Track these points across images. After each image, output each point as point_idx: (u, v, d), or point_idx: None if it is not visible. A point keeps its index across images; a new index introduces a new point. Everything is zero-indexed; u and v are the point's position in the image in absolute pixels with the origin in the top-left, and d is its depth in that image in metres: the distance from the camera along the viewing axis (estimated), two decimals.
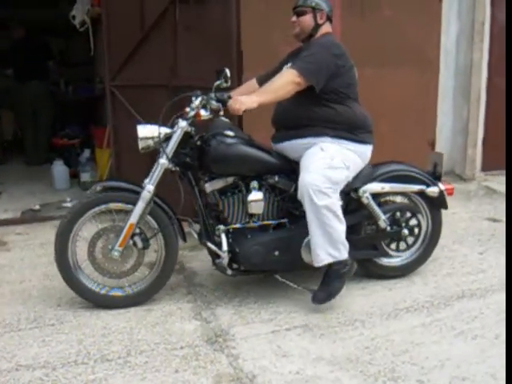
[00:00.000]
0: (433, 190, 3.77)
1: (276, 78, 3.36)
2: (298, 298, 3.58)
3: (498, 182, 6.13)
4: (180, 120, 3.39)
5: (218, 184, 3.47)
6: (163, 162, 3.37)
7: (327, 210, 3.31)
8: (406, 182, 3.76)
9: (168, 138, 3.39)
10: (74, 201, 5.71)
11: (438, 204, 3.86)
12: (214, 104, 3.31)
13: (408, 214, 3.83)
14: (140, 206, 3.36)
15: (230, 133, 3.42)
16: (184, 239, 3.59)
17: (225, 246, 3.42)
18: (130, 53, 5.10)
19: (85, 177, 6.45)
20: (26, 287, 3.86)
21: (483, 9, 5.99)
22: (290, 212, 3.60)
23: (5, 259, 4.38)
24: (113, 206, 3.44)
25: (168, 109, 3.40)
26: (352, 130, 3.50)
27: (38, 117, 7.69)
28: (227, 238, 3.47)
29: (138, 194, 3.36)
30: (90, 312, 3.46)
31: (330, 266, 3.43)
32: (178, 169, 3.45)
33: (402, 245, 3.87)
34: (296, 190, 3.42)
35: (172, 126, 3.43)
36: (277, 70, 3.63)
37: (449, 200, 3.87)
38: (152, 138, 3.38)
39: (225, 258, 3.43)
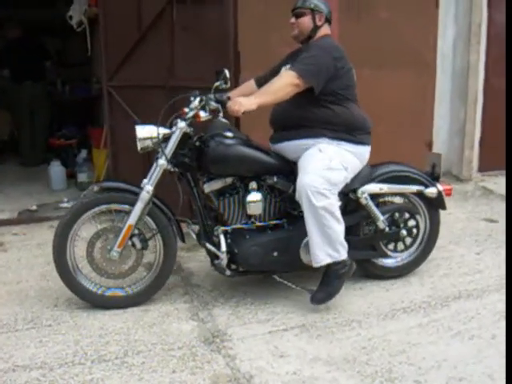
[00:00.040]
0: (431, 191, 3.77)
1: (275, 80, 3.36)
2: (295, 299, 3.59)
3: (495, 183, 6.15)
4: (179, 121, 3.39)
5: (217, 185, 3.47)
6: (162, 162, 3.37)
7: (325, 211, 3.31)
8: (404, 182, 3.77)
9: (167, 138, 3.39)
10: (70, 201, 5.71)
11: (436, 205, 3.86)
12: (213, 105, 3.31)
13: (406, 215, 3.83)
14: (139, 206, 3.35)
15: (229, 134, 3.42)
16: (183, 240, 3.59)
17: (223, 247, 3.42)
18: (127, 53, 5.09)
19: (82, 177, 6.44)
20: (22, 288, 3.85)
21: (480, 11, 6.00)
22: (288, 212, 3.60)
23: (1, 260, 4.37)
24: (112, 206, 3.44)
25: (166, 109, 3.40)
26: (350, 132, 3.50)
27: (34, 117, 7.67)
28: (226, 238, 3.47)
29: (137, 194, 3.36)
30: (87, 312, 3.46)
31: (328, 266, 3.43)
32: (176, 169, 3.45)
33: (400, 245, 3.88)
34: (294, 190, 3.42)
35: (170, 127, 3.43)
36: (275, 72, 3.64)
37: (446, 200, 3.88)
38: (151, 138, 3.38)
39: (223, 258, 3.43)
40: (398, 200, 3.87)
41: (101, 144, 6.21)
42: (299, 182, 3.36)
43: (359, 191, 3.61)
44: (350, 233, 3.55)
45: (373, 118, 3.66)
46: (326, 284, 3.47)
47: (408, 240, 3.88)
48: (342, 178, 3.45)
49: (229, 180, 3.47)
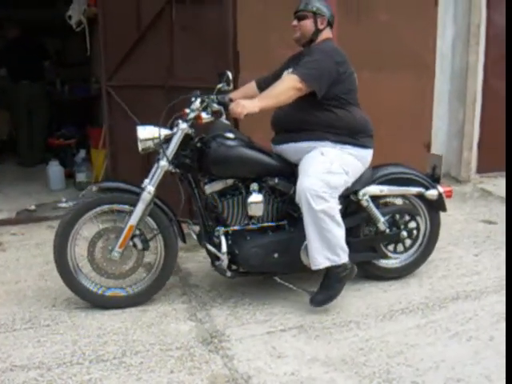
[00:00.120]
0: (432, 193, 3.77)
1: (277, 84, 3.35)
2: (293, 300, 3.59)
3: (494, 184, 6.15)
4: (180, 121, 3.38)
5: (218, 186, 3.46)
6: (163, 164, 3.36)
7: (324, 215, 3.31)
8: (405, 184, 3.77)
9: (168, 139, 3.38)
10: (69, 201, 5.72)
11: (436, 206, 3.87)
12: (216, 107, 3.30)
13: (407, 217, 3.84)
14: (140, 207, 3.35)
15: (230, 135, 3.41)
16: (184, 240, 3.59)
17: (224, 248, 3.42)
18: (126, 53, 5.10)
19: (80, 177, 6.44)
20: (21, 287, 3.85)
21: (479, 11, 6.00)
22: (289, 214, 3.60)
23: (0, 259, 4.37)
24: (114, 206, 3.44)
25: (165, 107, 3.39)
26: (353, 135, 3.50)
27: (33, 117, 7.66)
28: (226, 239, 3.47)
29: (138, 195, 3.35)
30: (85, 312, 3.46)
31: (329, 269, 3.43)
32: (177, 170, 3.44)
33: (400, 247, 3.88)
34: (295, 192, 3.42)
35: (171, 127, 3.42)
36: (277, 75, 3.63)
37: (445, 202, 3.88)
38: (152, 139, 3.37)
39: (224, 259, 3.43)
40: (398, 201, 3.87)
41: (99, 144, 6.22)
42: (299, 184, 3.35)
43: (360, 193, 3.60)
44: (350, 234, 3.55)
45: (373, 121, 3.66)
46: (326, 286, 3.47)
47: (408, 241, 3.88)
48: (343, 181, 3.45)
49: (230, 181, 3.47)
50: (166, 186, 3.43)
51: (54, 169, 6.53)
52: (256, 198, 3.46)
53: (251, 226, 3.54)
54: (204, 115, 3.32)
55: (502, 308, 3.44)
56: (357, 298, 3.63)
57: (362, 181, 3.61)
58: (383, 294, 3.70)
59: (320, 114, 3.45)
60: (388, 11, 5.20)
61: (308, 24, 3.51)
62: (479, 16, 6.02)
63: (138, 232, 3.45)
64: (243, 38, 4.42)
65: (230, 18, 4.37)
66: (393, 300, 3.61)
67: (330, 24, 3.57)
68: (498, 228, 4.91)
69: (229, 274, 3.53)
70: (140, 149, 3.41)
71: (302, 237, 3.45)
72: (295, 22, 3.55)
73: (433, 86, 5.71)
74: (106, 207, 3.42)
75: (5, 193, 6.29)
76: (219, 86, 3.55)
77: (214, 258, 3.52)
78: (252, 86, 3.86)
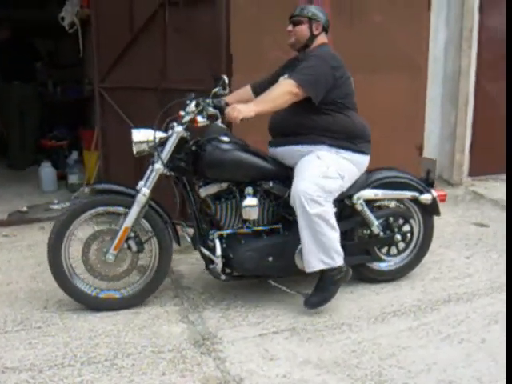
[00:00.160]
0: (426, 197, 3.78)
1: (274, 88, 3.35)
2: (285, 302, 3.59)
3: (486, 187, 6.17)
4: (175, 125, 3.37)
5: (213, 189, 3.46)
6: (158, 167, 3.35)
7: (319, 218, 3.31)
8: (399, 188, 3.78)
9: (163, 142, 3.37)
10: (61, 203, 5.71)
11: (430, 210, 3.87)
12: (211, 110, 3.29)
13: (401, 220, 3.85)
14: (135, 209, 3.34)
15: (226, 138, 3.41)
16: (178, 243, 3.59)
17: (218, 252, 3.42)
18: (119, 55, 5.09)
19: (72, 179, 6.42)
20: (12, 289, 3.84)
21: (471, 16, 6.02)
22: (283, 218, 3.59)
23: None
24: (110, 208, 3.43)
25: (158, 110, 3.39)
26: (350, 140, 3.51)
27: (24, 118, 7.63)
28: (221, 243, 3.46)
29: (133, 197, 3.34)
30: (77, 314, 3.45)
31: (324, 271, 3.43)
32: (172, 173, 3.43)
33: (394, 249, 3.89)
34: (290, 195, 3.42)
35: (166, 130, 3.41)
36: (272, 79, 3.62)
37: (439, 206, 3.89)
38: (147, 142, 3.36)
39: (218, 263, 3.43)
40: (393, 204, 3.87)
41: (92, 146, 6.21)
42: (294, 187, 3.35)
43: (354, 197, 3.61)
44: (344, 238, 3.54)
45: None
46: (320, 289, 3.47)
47: (402, 244, 3.89)
48: (338, 186, 3.45)
49: (224, 185, 3.46)
50: (160, 188, 3.42)
51: (46, 170, 6.51)
52: (251, 201, 3.45)
53: (246, 230, 3.53)
54: (199, 119, 3.30)
55: (493, 310, 3.46)
56: (349, 301, 3.63)
57: (357, 185, 3.62)
58: (375, 296, 3.71)
59: (317, 118, 3.45)
60: (381, 14, 5.21)
61: (303, 29, 3.51)
62: (471, 20, 6.04)
63: (132, 234, 3.44)
64: (236, 41, 4.42)
65: (223, 21, 4.37)
66: (385, 302, 3.61)
67: (325, 29, 3.57)
68: (490, 231, 4.93)
69: (223, 277, 3.52)
70: (135, 152, 3.39)
71: (297, 240, 3.45)
72: (290, 27, 3.55)
73: (425, 88, 5.73)
74: (101, 209, 3.41)
75: None
76: (215, 90, 3.55)
77: (209, 262, 3.51)
78: (247, 90, 3.85)
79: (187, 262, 4.21)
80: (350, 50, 3.99)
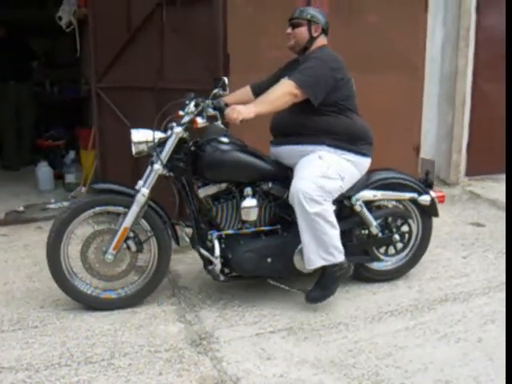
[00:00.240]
0: (425, 199, 3.78)
1: (273, 89, 3.34)
2: (282, 301, 3.59)
3: (482, 187, 6.18)
4: (175, 125, 3.35)
5: (212, 190, 3.45)
6: (157, 167, 3.34)
7: (318, 217, 3.32)
8: (398, 189, 3.78)
9: (162, 142, 3.37)
10: (58, 202, 5.71)
11: (429, 211, 3.88)
12: (211, 112, 3.28)
13: (399, 220, 3.85)
14: (134, 209, 3.33)
15: (225, 139, 3.40)
16: (177, 243, 3.58)
17: (217, 252, 3.41)
18: (116, 54, 5.09)
19: (69, 178, 6.43)
20: (9, 289, 3.83)
21: (468, 16, 6.03)
22: (282, 218, 3.59)
23: None
24: (109, 208, 3.42)
25: (159, 112, 3.38)
26: (352, 141, 3.51)
27: (20, 118, 7.61)
28: (220, 243, 3.46)
29: (132, 197, 3.34)
30: (74, 314, 3.44)
31: (325, 268, 3.44)
32: (171, 174, 3.42)
33: (392, 249, 3.89)
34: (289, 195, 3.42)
35: (165, 130, 3.41)
36: (272, 80, 3.60)
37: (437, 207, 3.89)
38: (146, 142, 3.35)
39: (217, 263, 3.43)
40: (392, 204, 3.87)
41: (89, 145, 6.20)
42: (293, 186, 3.35)
43: (353, 198, 3.61)
44: (342, 238, 3.54)
45: None
46: (321, 285, 3.49)
47: (400, 244, 3.89)
48: (337, 186, 3.45)
49: (224, 185, 3.46)
50: (159, 188, 3.41)
51: (43, 170, 6.51)
52: (250, 202, 3.45)
53: (244, 231, 3.53)
54: (199, 120, 3.29)
55: (490, 310, 3.47)
56: (346, 300, 3.63)
57: (356, 186, 3.62)
58: (372, 296, 3.71)
59: (319, 119, 3.45)
60: (378, 14, 5.22)
61: (302, 31, 3.51)
62: (469, 20, 6.05)
63: (131, 234, 3.44)
64: (233, 41, 4.42)
65: (220, 21, 4.38)
66: (382, 302, 3.61)
67: (324, 31, 3.56)
68: (487, 230, 4.94)
69: (222, 278, 3.52)
70: (134, 152, 3.39)
71: (296, 241, 3.46)
72: (289, 30, 3.55)
73: (422, 88, 5.73)
74: (101, 208, 3.41)
75: None
76: (215, 91, 3.55)
77: (207, 262, 3.51)
78: (247, 91, 3.84)
79: (184, 262, 4.21)
80: (347, 50, 3.98)
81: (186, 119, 3.34)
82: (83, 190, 6.02)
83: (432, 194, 3.83)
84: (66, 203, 5.54)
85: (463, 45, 6.07)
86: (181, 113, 3.40)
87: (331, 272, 3.46)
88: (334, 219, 3.39)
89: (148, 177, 3.37)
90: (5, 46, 7.33)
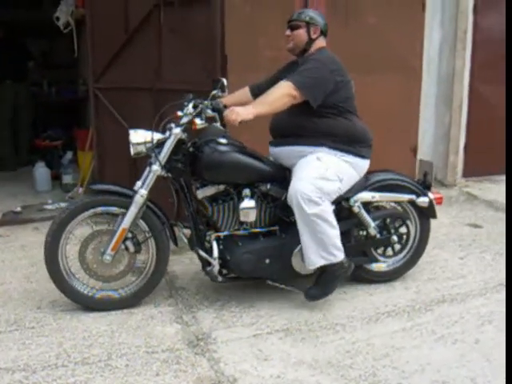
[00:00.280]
0: (423, 200, 3.79)
1: (272, 90, 3.33)
2: (279, 302, 3.59)
3: (480, 189, 6.18)
4: (173, 126, 3.35)
5: (210, 191, 3.45)
6: (156, 168, 3.34)
7: (317, 218, 3.32)
8: (396, 191, 3.78)
9: (160, 143, 3.36)
10: (55, 203, 5.70)
11: (427, 213, 3.88)
12: (210, 113, 3.27)
13: (398, 221, 3.85)
14: (133, 210, 3.33)
15: (223, 140, 3.39)
16: (176, 244, 3.58)
17: (215, 253, 3.41)
18: (114, 55, 5.09)
19: (67, 179, 6.42)
20: (6, 289, 3.83)
21: (466, 17, 6.04)
22: (281, 219, 3.59)
23: None
24: (109, 209, 3.42)
25: (156, 112, 3.37)
26: (351, 143, 3.51)
27: (17, 118, 7.60)
28: (218, 244, 3.46)
29: (131, 197, 3.34)
30: (71, 315, 3.44)
31: (326, 266, 3.44)
32: (170, 175, 3.42)
33: (389, 251, 3.90)
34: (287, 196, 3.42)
35: (163, 131, 3.40)
36: (271, 82, 3.60)
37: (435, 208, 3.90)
38: (144, 143, 3.35)
39: (215, 264, 3.42)
40: (389, 205, 3.87)
41: (86, 146, 6.19)
42: (292, 187, 3.36)
43: (352, 200, 3.61)
44: (341, 239, 3.54)
45: None
46: (321, 282, 3.50)
47: (398, 246, 3.89)
48: (336, 188, 3.45)
49: (222, 186, 3.45)
50: (157, 189, 3.41)
51: (41, 170, 6.50)
52: (248, 203, 3.44)
53: (243, 232, 3.53)
54: (198, 121, 3.28)
55: (487, 311, 3.47)
56: (343, 301, 3.63)
57: (355, 187, 3.62)
58: (369, 297, 3.71)
59: (318, 121, 3.45)
60: (376, 15, 5.23)
61: (301, 34, 3.50)
62: (466, 21, 6.06)
63: (130, 235, 3.44)
64: (231, 42, 4.42)
65: (218, 22, 4.37)
66: (379, 303, 3.62)
67: (323, 33, 3.56)
68: (484, 232, 4.94)
69: (220, 279, 3.52)
70: (132, 153, 3.38)
71: (294, 243, 3.46)
72: (288, 32, 3.55)
73: (419, 89, 5.75)
74: (100, 209, 3.40)
75: None
76: (214, 92, 3.55)
77: (205, 263, 3.51)
78: (246, 92, 3.85)
79: (181, 263, 4.20)
80: (345, 51, 4.00)
81: (184, 120, 3.34)
82: (80, 190, 6.01)
83: (430, 195, 3.84)
84: (63, 204, 5.54)
85: (460, 46, 6.07)
86: (179, 113, 3.40)
87: (332, 271, 3.47)
88: (333, 219, 3.40)
89: (146, 178, 3.37)
90: (2, 46, 7.32)
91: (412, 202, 3.81)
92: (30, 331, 3.27)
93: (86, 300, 3.48)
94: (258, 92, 3.65)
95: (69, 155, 6.77)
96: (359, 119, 3.60)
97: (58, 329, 3.29)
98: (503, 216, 5.27)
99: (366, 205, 3.71)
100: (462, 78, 6.15)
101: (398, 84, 5.41)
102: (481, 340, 3.15)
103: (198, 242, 3.49)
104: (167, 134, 3.37)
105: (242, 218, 3.46)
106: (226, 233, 3.49)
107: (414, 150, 5.80)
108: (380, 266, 3.89)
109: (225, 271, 3.54)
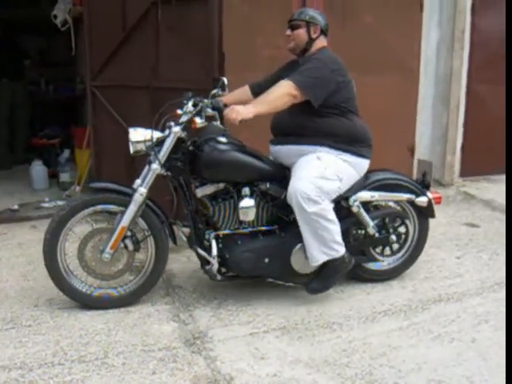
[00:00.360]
0: (422, 200, 3.79)
1: (273, 89, 3.33)
2: (276, 301, 3.59)
3: (477, 188, 6.19)
4: (173, 125, 3.34)
5: (209, 189, 3.45)
6: (155, 167, 3.33)
7: (317, 216, 3.33)
8: (395, 190, 3.78)
9: (160, 141, 3.35)
10: (52, 201, 5.70)
11: (425, 212, 3.88)
12: (210, 112, 3.27)
13: (396, 221, 3.85)
14: (132, 209, 3.33)
15: (223, 139, 3.39)
16: (175, 242, 3.58)
17: (214, 252, 3.41)
18: (111, 53, 5.09)
19: (64, 177, 6.41)
20: (2, 287, 3.82)
21: (463, 17, 6.04)
22: (280, 218, 3.59)
23: None
24: (108, 207, 3.41)
25: (150, 108, 3.37)
26: (352, 143, 3.51)
27: (14, 116, 7.58)
28: (217, 243, 3.46)
29: (130, 196, 3.33)
30: (68, 313, 3.44)
31: (328, 261, 3.46)
32: (169, 173, 3.41)
33: (388, 250, 3.90)
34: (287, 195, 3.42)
35: (163, 129, 3.39)
36: (271, 81, 3.59)
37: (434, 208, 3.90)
38: (144, 141, 3.34)
39: (214, 263, 3.42)
40: (388, 204, 3.87)
41: (83, 144, 6.19)
42: (291, 186, 3.36)
43: (351, 199, 3.61)
44: None
45: None
46: (322, 277, 3.51)
47: (396, 245, 3.90)
48: (335, 187, 3.46)
49: (221, 185, 3.45)
50: (156, 187, 3.40)
51: (38, 168, 6.50)
52: (247, 202, 3.44)
53: (242, 230, 3.53)
54: (198, 120, 3.27)
55: (483, 310, 3.48)
56: (340, 300, 3.64)
57: (354, 187, 3.62)
58: (366, 296, 3.71)
59: (320, 121, 3.45)
60: (373, 15, 5.22)
61: (301, 33, 3.50)
62: (464, 21, 6.06)
63: (129, 233, 3.43)
64: (229, 40, 4.42)
65: (215, 20, 4.38)
66: (375, 302, 3.62)
67: (323, 32, 3.55)
68: (481, 231, 4.95)
69: (219, 277, 3.52)
70: (132, 151, 3.38)
71: (293, 241, 3.47)
72: (289, 32, 3.54)
73: (417, 90, 5.75)
74: (100, 207, 3.40)
75: None
76: (214, 91, 3.55)
77: (204, 262, 3.50)
78: (245, 91, 3.83)
79: (179, 261, 4.20)
80: (342, 52, 3.99)
81: (184, 119, 3.34)
82: (77, 188, 6.01)
83: (429, 195, 3.84)
84: (60, 202, 5.54)
85: (458, 46, 6.08)
86: (179, 112, 3.39)
87: (333, 266, 3.49)
88: (333, 216, 3.41)
89: (146, 176, 3.36)
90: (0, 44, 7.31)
91: (411, 202, 3.82)
92: (26, 329, 3.26)
93: (84, 298, 3.47)
94: (257, 90, 3.65)
95: (66, 153, 6.76)
96: (360, 119, 3.60)
97: (55, 327, 3.29)
98: (500, 215, 5.28)
99: (365, 204, 3.71)
100: (459, 78, 6.15)
101: (396, 84, 5.41)
102: (477, 339, 3.15)
103: (197, 241, 3.49)
104: (167, 132, 3.36)
105: (242, 217, 3.46)
106: (225, 231, 3.49)
107: (412, 150, 5.80)
108: (378, 265, 3.89)
109: (224, 270, 3.54)
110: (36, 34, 9.06)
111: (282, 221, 3.60)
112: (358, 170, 3.59)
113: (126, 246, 3.44)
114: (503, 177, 5.99)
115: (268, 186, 3.51)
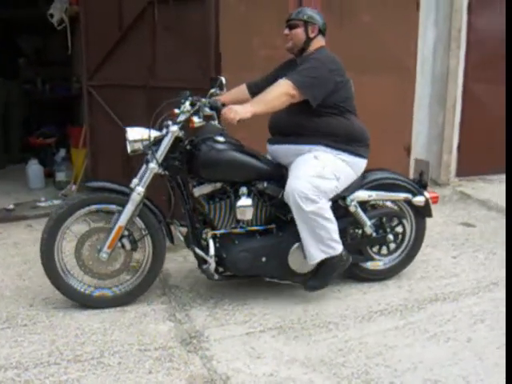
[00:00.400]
0: (419, 200, 3.79)
1: (271, 89, 3.32)
2: (273, 301, 3.59)
3: (473, 188, 6.20)
4: (170, 124, 3.34)
5: (207, 189, 3.44)
6: (153, 166, 3.32)
7: (315, 215, 3.33)
8: (392, 190, 3.78)
9: (157, 141, 3.35)
10: (48, 200, 5.69)
11: (423, 212, 3.89)
12: (208, 111, 3.27)
13: (394, 220, 3.86)
14: (130, 208, 3.32)
15: (221, 138, 3.39)
16: (172, 241, 3.58)
17: (212, 251, 3.41)
18: (107, 52, 5.08)
19: (60, 176, 6.40)
20: None
21: (460, 16, 6.05)
22: (277, 218, 3.59)
23: None
24: (106, 206, 3.41)
25: (152, 110, 3.36)
26: (350, 142, 3.51)
27: (9, 115, 7.57)
28: (214, 243, 3.45)
29: (127, 195, 3.33)
30: (63, 312, 3.43)
31: (326, 259, 3.46)
32: (166, 173, 3.41)
33: (384, 249, 3.91)
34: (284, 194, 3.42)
35: (160, 128, 3.39)
36: (269, 80, 3.59)
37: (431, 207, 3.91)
38: (141, 140, 3.33)
39: (211, 263, 3.42)
40: (386, 204, 3.88)
41: (80, 143, 6.18)
42: (288, 185, 3.36)
43: (348, 199, 3.61)
44: None
45: None
46: (321, 274, 3.52)
47: (393, 244, 3.90)
48: (333, 187, 3.46)
49: (219, 184, 3.45)
50: (154, 186, 3.40)
51: (34, 168, 6.48)
52: (245, 202, 3.44)
53: (239, 230, 3.52)
54: (196, 119, 3.27)
55: (479, 310, 3.48)
56: (336, 300, 3.64)
57: (351, 186, 3.62)
58: (362, 295, 3.72)
59: (318, 120, 3.45)
60: (370, 15, 5.22)
61: (299, 33, 3.50)
62: (460, 21, 6.07)
63: (126, 233, 3.43)
64: (225, 40, 4.42)
65: (212, 20, 4.37)
66: (372, 301, 3.62)
67: (321, 32, 3.55)
68: (477, 231, 4.95)
69: (216, 277, 3.51)
70: (129, 150, 3.37)
71: (291, 241, 3.47)
72: (287, 31, 3.54)
73: (414, 89, 5.75)
74: (98, 206, 3.40)
75: None
76: (212, 91, 3.54)
77: (201, 261, 3.50)
78: (243, 90, 3.83)
79: (175, 261, 4.20)
80: (340, 51, 4.00)
81: (181, 118, 3.33)
82: (74, 188, 6.00)
83: (426, 194, 3.84)
84: (56, 201, 5.53)
85: (454, 46, 6.08)
86: (176, 111, 3.39)
87: (331, 264, 3.49)
88: (330, 215, 3.41)
89: (143, 175, 3.36)
90: None
91: (408, 201, 3.82)
92: (22, 329, 3.26)
93: (81, 297, 3.47)
94: (255, 90, 3.65)
95: (62, 153, 6.75)
96: (357, 118, 3.60)
97: (51, 326, 3.28)
98: (496, 215, 5.29)
99: (363, 203, 3.71)
100: (456, 77, 6.16)
101: (393, 84, 5.41)
102: (473, 339, 3.16)
103: (194, 240, 3.49)
104: (164, 131, 3.36)
105: (239, 216, 3.46)
106: (222, 231, 3.49)
107: (408, 150, 5.80)
108: (375, 265, 3.89)
109: (221, 269, 3.54)
110: (32, 33, 9.04)
111: (279, 220, 3.60)
112: (355, 170, 3.59)
113: (123, 246, 3.44)
114: (499, 176, 6.04)
115: (265, 185, 3.51)
